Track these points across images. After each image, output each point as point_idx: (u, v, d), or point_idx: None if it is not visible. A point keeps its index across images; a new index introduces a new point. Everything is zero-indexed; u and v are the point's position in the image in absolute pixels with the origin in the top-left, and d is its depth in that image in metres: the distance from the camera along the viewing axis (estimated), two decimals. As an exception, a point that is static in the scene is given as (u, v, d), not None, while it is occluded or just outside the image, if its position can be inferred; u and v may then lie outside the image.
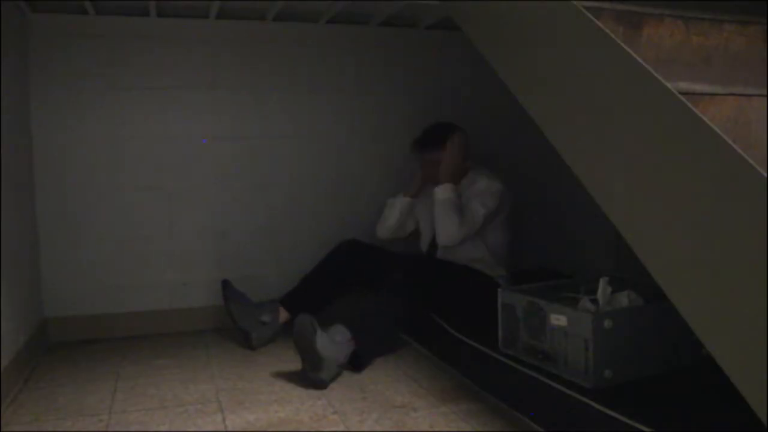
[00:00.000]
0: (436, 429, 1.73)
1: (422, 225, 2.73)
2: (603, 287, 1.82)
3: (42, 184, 2.56)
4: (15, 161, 2.25)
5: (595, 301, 1.83)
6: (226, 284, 2.50)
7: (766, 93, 1.16)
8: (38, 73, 2.53)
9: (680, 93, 0.96)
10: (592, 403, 1.60)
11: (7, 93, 2.13)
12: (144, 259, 2.70)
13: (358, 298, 2.45)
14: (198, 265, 2.76)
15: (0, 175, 1.99)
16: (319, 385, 2.01)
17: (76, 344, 2.53)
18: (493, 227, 2.53)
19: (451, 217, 2.43)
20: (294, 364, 2.26)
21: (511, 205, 2.58)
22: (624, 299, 1.83)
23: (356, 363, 2.15)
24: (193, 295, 2.74)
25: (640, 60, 1.01)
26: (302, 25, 2.84)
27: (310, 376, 2.02)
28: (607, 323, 1.69)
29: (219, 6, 2.56)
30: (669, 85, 0.97)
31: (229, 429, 1.74)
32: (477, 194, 2.49)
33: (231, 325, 2.53)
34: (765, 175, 0.81)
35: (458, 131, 2.59)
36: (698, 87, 1.11)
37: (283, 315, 2.49)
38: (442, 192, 2.49)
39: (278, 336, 2.50)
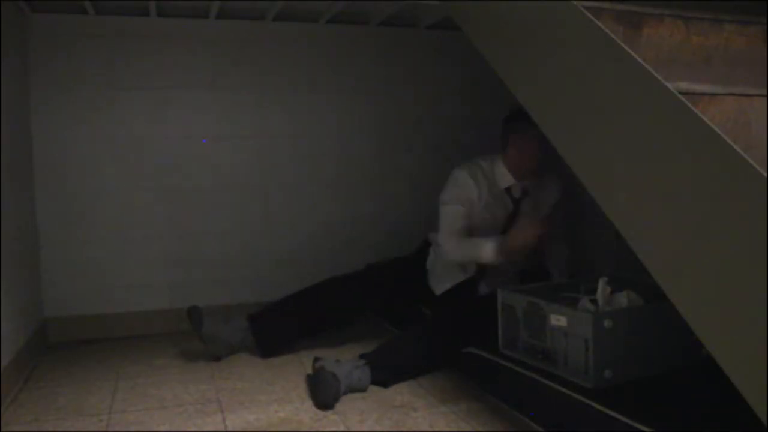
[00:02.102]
0: (436, 429, 1.73)
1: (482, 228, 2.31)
2: (602, 287, 1.82)
3: (42, 184, 2.56)
4: (15, 161, 2.25)
5: (595, 301, 1.83)
6: (193, 312, 2.27)
7: (766, 93, 1.16)
8: (38, 73, 2.53)
9: (680, 93, 0.96)
10: (593, 403, 1.60)
11: (7, 93, 2.13)
12: (144, 259, 2.70)
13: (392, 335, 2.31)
14: (198, 265, 2.76)
15: (0, 175, 1.99)
16: (325, 408, 1.90)
17: (76, 344, 2.53)
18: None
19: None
20: (294, 365, 2.26)
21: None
22: (623, 299, 1.83)
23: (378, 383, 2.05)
24: (193, 295, 2.74)
25: (640, 60, 1.01)
26: (302, 25, 2.84)
27: (320, 402, 1.91)
28: (607, 323, 1.69)
29: (219, 6, 2.56)
30: (669, 85, 0.97)
31: (229, 429, 1.74)
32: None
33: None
34: (765, 175, 0.81)
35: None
36: (698, 87, 1.11)
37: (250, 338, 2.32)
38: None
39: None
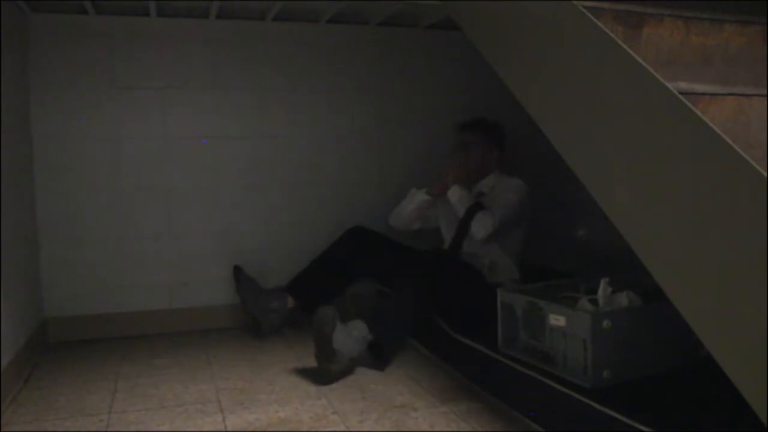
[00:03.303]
0: (436, 429, 1.73)
1: (444, 228, 2.71)
2: (603, 287, 1.82)
3: (42, 184, 2.56)
4: (15, 161, 2.25)
5: (594, 301, 1.83)
6: (238, 270, 2.56)
7: (766, 93, 1.16)
8: (38, 73, 2.53)
9: (680, 93, 0.96)
10: (592, 403, 1.60)
11: (7, 93, 2.13)
12: (144, 259, 2.70)
13: (377, 295, 2.45)
14: (198, 265, 2.76)
15: (0, 175, 1.99)
16: (325, 377, 2.02)
17: (76, 344, 2.53)
18: (516, 232, 2.55)
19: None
20: (294, 363, 2.26)
21: (530, 215, 2.60)
22: (623, 299, 1.83)
23: (377, 358, 2.15)
24: (193, 295, 2.74)
25: (640, 60, 1.01)
26: (302, 25, 2.84)
27: (321, 366, 2.03)
28: (605, 323, 1.69)
29: (219, 6, 2.56)
30: (669, 85, 0.97)
31: (229, 429, 1.74)
32: (505, 190, 2.54)
33: (231, 325, 2.53)
34: (765, 175, 0.81)
35: (497, 140, 2.66)
36: (698, 87, 1.11)
37: (291, 301, 2.55)
38: (453, 193, 2.53)
39: (287, 323, 2.57)
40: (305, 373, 2.14)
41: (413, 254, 2.60)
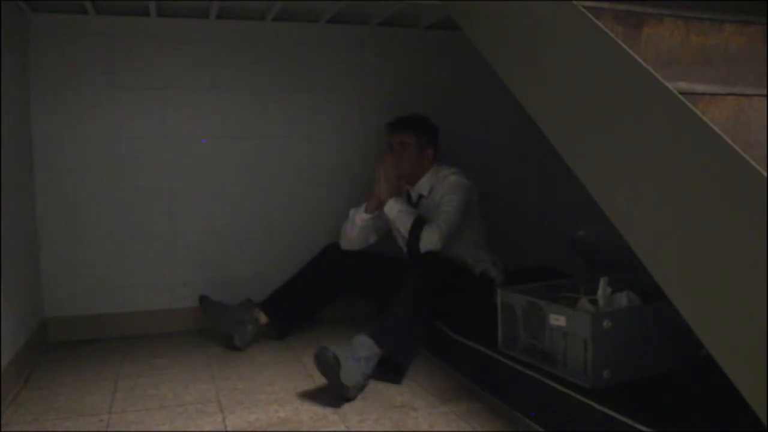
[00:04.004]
0: (436, 429, 1.73)
1: (398, 236, 2.55)
2: (603, 287, 1.82)
3: (42, 184, 2.56)
4: (15, 161, 2.25)
5: (594, 302, 1.83)
6: (203, 299, 2.51)
7: (766, 93, 1.16)
8: (38, 73, 2.53)
9: (680, 93, 0.96)
10: (592, 403, 1.59)
11: (7, 93, 2.13)
12: (144, 259, 2.70)
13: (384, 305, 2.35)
14: (198, 265, 2.76)
15: (0, 175, 1.99)
16: (347, 399, 1.92)
17: (76, 344, 2.53)
18: (468, 223, 2.46)
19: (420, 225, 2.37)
20: (294, 365, 2.26)
21: (478, 197, 2.53)
22: (623, 299, 1.83)
23: (393, 373, 2.07)
24: (193, 295, 2.73)
25: (640, 60, 1.01)
26: (302, 25, 2.84)
27: (337, 395, 1.93)
28: (605, 323, 1.69)
29: (219, 6, 2.56)
30: (669, 85, 0.97)
31: (229, 429, 1.74)
32: (446, 192, 2.43)
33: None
34: (765, 175, 0.81)
35: (430, 136, 2.56)
36: (698, 87, 1.11)
37: (263, 317, 2.48)
38: (391, 210, 2.42)
39: (261, 335, 2.51)
40: (305, 374, 2.14)
41: (399, 264, 2.46)
